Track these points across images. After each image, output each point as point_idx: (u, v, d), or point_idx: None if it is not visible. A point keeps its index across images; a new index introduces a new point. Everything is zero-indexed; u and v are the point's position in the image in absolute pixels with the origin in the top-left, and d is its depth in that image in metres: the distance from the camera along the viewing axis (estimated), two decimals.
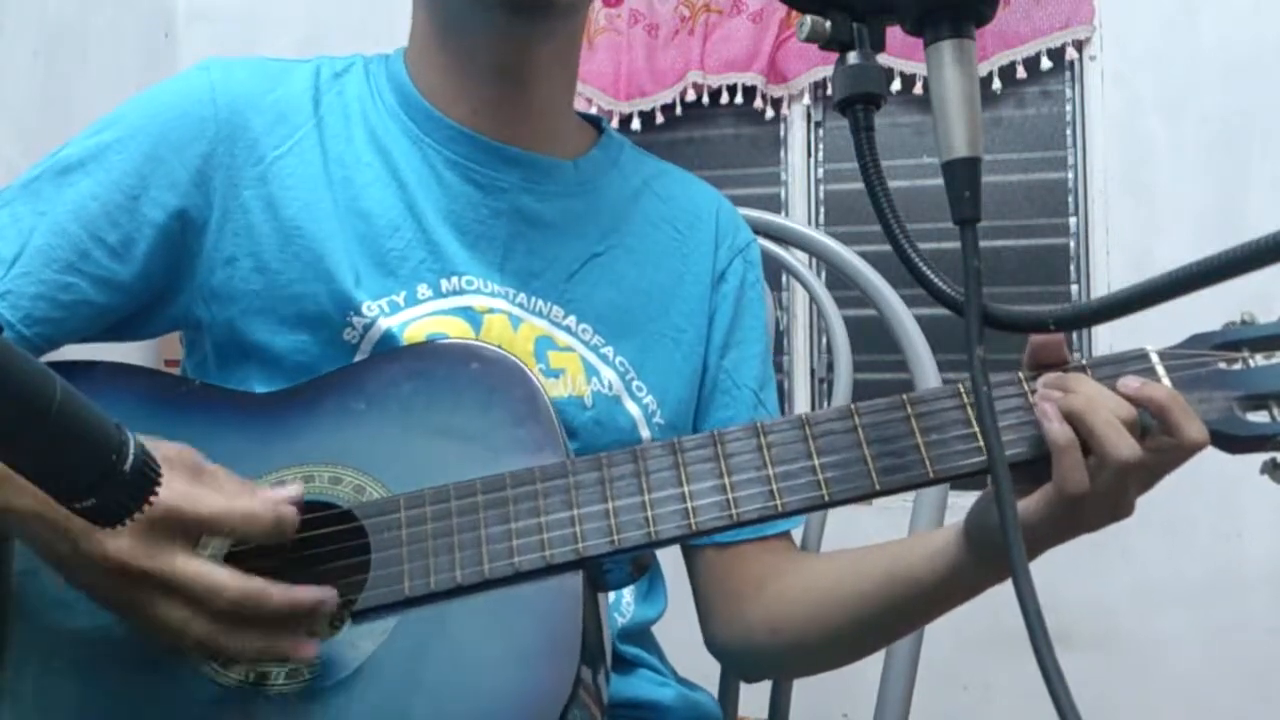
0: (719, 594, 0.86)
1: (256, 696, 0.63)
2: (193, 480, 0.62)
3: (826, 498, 0.66)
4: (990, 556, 0.68)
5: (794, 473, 0.66)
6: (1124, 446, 0.61)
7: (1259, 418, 0.64)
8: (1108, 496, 0.62)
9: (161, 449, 0.61)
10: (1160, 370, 0.66)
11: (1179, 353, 0.67)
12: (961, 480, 0.68)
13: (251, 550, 0.68)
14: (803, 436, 0.67)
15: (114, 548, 0.59)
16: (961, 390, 0.67)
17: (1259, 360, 0.66)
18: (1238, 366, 0.66)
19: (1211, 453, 0.64)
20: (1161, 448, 0.62)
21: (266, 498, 0.63)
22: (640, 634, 0.86)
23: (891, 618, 0.77)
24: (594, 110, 2.96)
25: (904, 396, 0.68)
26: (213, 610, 0.60)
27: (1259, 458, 0.64)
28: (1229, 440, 0.64)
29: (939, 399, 0.67)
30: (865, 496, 0.66)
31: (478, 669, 0.63)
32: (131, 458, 0.45)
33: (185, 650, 0.63)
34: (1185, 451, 0.62)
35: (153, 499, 0.48)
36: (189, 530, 0.60)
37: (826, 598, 0.80)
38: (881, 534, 0.82)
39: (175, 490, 0.60)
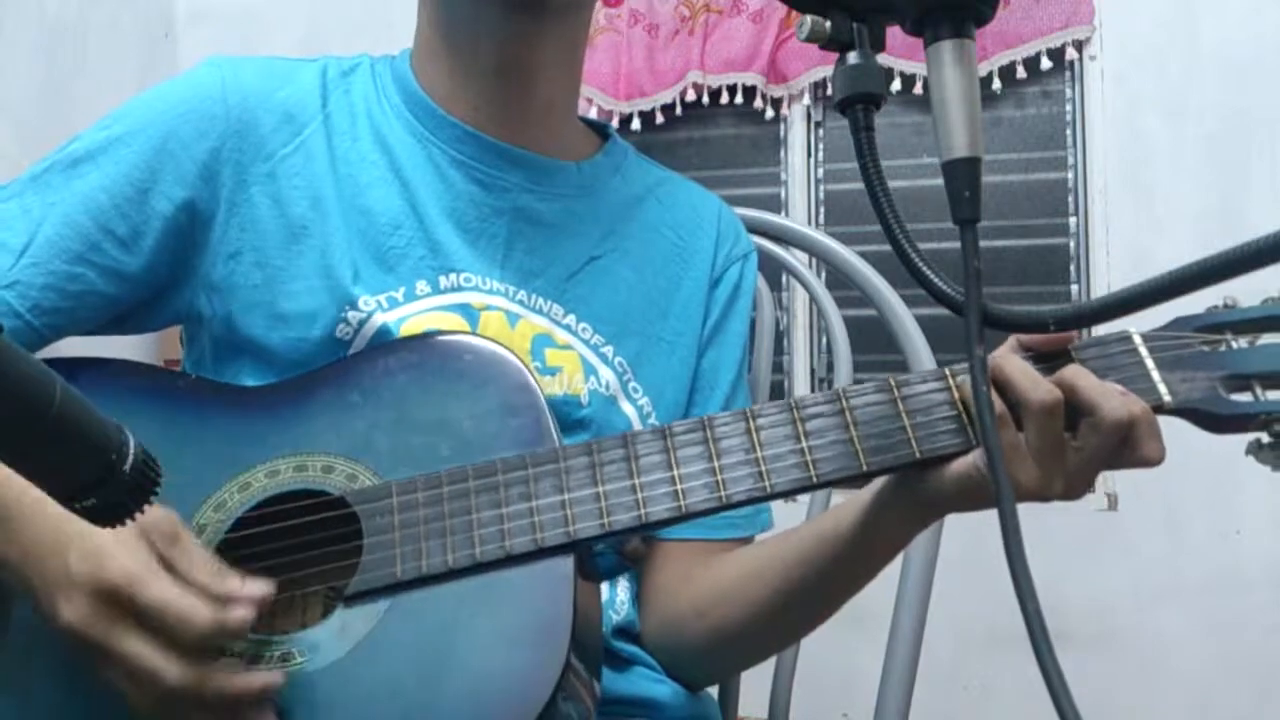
0: (651, 587, 0.86)
1: None
2: (153, 558, 0.61)
3: (815, 479, 0.66)
4: (922, 507, 0.70)
5: (782, 455, 0.67)
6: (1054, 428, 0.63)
7: (1242, 398, 0.64)
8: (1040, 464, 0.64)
9: (149, 517, 0.60)
10: (1144, 351, 0.67)
11: (1162, 335, 0.68)
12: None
13: (243, 540, 0.68)
14: (791, 420, 0.68)
15: (65, 616, 0.59)
16: (947, 373, 0.68)
17: (1240, 343, 0.66)
18: (1221, 349, 0.66)
19: (1209, 450, 0.64)
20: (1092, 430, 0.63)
21: (221, 595, 0.60)
22: (635, 633, 0.86)
23: (815, 580, 0.76)
24: (594, 110, 2.96)
25: (890, 380, 0.68)
26: (153, 694, 0.59)
27: (1257, 458, 0.64)
28: (1213, 419, 0.65)
29: (925, 382, 0.68)
30: (854, 478, 0.67)
31: (469, 650, 0.63)
32: (131, 458, 0.45)
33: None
34: (1111, 429, 0.63)
35: (152, 499, 0.48)
36: (130, 611, 0.59)
37: (751, 573, 0.80)
38: None
39: (128, 569, 0.59)
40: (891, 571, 0.90)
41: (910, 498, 0.69)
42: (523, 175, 0.83)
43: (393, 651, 0.63)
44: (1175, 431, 0.67)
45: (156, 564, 0.60)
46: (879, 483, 0.72)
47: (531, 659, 0.63)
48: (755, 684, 1.00)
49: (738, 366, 0.91)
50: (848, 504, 0.75)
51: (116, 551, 0.60)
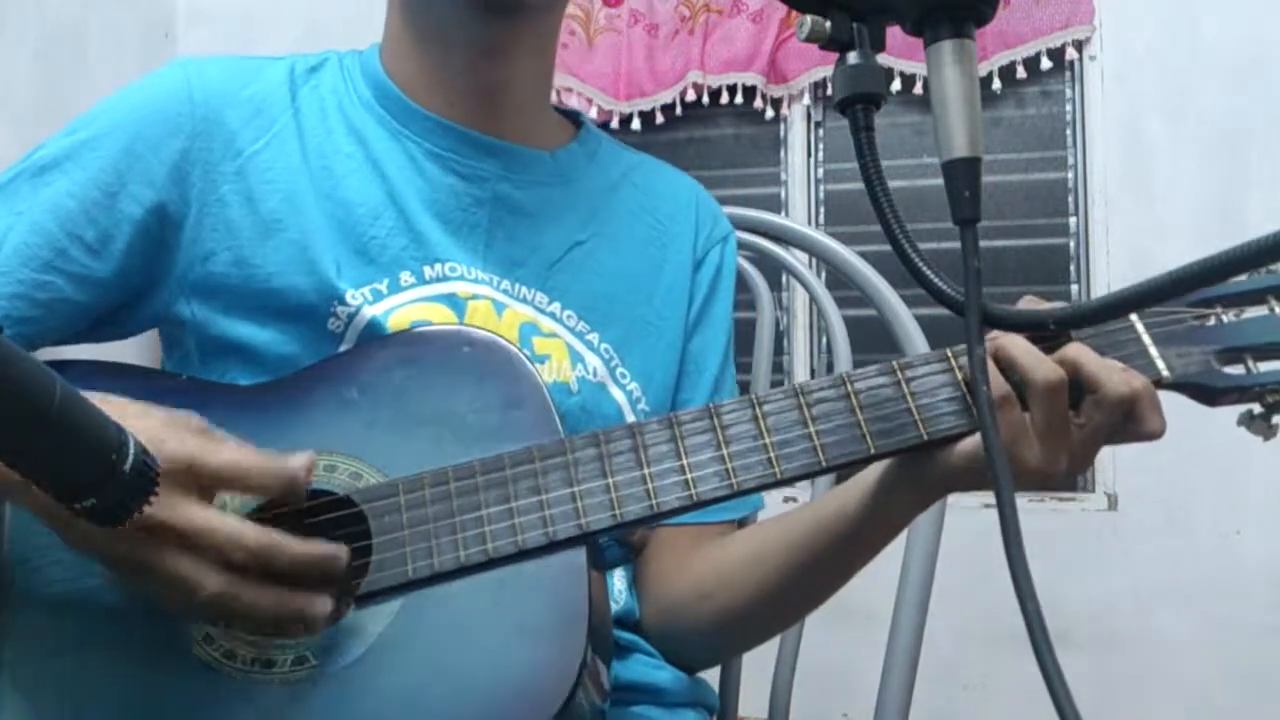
0: (648, 574, 0.86)
1: (262, 684, 0.63)
2: (206, 436, 0.62)
3: (824, 463, 0.67)
4: (928, 486, 0.70)
5: (790, 440, 0.67)
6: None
7: (1235, 370, 0.66)
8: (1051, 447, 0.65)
9: (172, 413, 0.62)
10: (1140, 328, 0.68)
11: (1157, 310, 0.70)
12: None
13: None
14: (797, 405, 0.69)
15: None
16: (949, 354, 0.69)
17: (1230, 316, 0.68)
18: (1211, 323, 0.68)
19: (1210, 450, 0.65)
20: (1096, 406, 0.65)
21: (279, 459, 0.63)
22: (633, 622, 0.87)
23: (819, 561, 0.77)
24: (594, 110, 2.96)
25: (894, 362, 0.69)
26: (228, 563, 0.59)
27: (1249, 428, 0.66)
28: (1209, 392, 0.66)
29: (928, 364, 0.69)
30: (862, 460, 0.68)
31: (487, 647, 0.63)
32: (131, 457, 0.45)
33: (194, 610, 0.61)
34: (1113, 405, 0.64)
35: (153, 499, 0.48)
36: (204, 482, 0.60)
37: (756, 555, 0.80)
38: None
39: (190, 444, 0.60)
40: (891, 571, 0.90)
41: (916, 478, 0.70)
42: (499, 164, 0.83)
43: (409, 651, 0.63)
44: (1176, 433, 0.67)
45: (207, 441, 0.61)
46: (882, 463, 0.72)
47: (550, 653, 0.63)
48: (755, 684, 1.00)
49: (724, 349, 0.92)
50: (850, 485, 0.75)
51: (166, 436, 0.60)
